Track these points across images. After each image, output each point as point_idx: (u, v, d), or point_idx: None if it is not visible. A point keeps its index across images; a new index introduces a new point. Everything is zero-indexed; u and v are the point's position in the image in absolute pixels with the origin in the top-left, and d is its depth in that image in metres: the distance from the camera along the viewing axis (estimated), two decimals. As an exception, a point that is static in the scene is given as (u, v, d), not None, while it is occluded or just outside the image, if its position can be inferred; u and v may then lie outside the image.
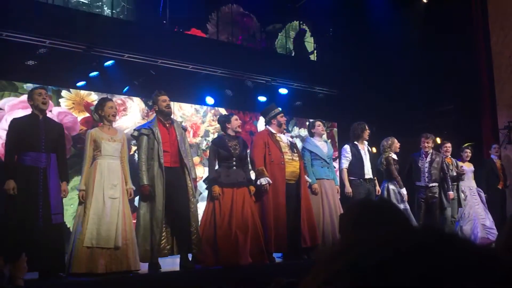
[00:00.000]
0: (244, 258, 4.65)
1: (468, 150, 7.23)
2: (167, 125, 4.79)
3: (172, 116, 4.96)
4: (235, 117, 5.21)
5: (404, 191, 6.17)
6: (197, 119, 8.46)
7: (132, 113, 7.71)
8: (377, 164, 6.44)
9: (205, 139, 8.42)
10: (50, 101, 4.46)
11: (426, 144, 6.56)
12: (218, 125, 6.00)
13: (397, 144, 6.47)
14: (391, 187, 6.26)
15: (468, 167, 7.17)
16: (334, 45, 9.58)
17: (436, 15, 8.86)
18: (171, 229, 4.71)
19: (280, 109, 5.58)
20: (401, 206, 6.19)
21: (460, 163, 7.12)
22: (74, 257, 4.17)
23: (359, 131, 6.10)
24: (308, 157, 5.75)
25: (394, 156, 6.38)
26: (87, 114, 7.42)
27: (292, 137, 5.68)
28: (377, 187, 6.16)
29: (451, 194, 6.55)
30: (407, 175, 6.60)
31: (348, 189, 5.80)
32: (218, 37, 8.33)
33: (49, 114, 4.91)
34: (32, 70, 6.54)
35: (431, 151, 6.58)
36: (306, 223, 5.20)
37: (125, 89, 7.55)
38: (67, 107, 7.30)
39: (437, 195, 6.46)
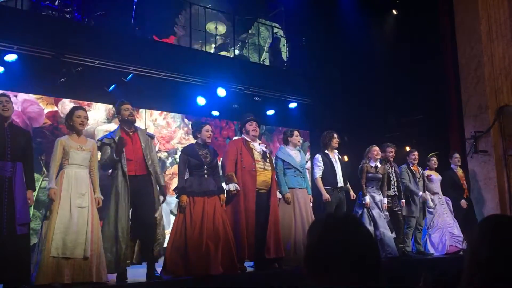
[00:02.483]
0: (215, 268, 4.62)
1: (434, 159, 7.38)
2: (130, 133, 4.75)
3: (136, 124, 4.92)
4: (206, 127, 5.15)
5: (366, 199, 6.24)
6: (167, 133, 8.36)
7: (95, 110, 7.59)
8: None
9: (172, 157, 8.28)
10: (12, 108, 4.33)
11: (393, 154, 6.70)
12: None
13: (373, 151, 6.47)
14: (373, 195, 6.32)
15: (436, 176, 7.31)
16: (307, 54, 9.69)
17: (406, 27, 9.08)
18: (136, 238, 4.65)
19: (251, 117, 5.59)
20: (383, 214, 6.27)
21: (428, 172, 7.26)
22: (39, 268, 4.06)
23: (326, 139, 6.20)
24: (280, 166, 5.76)
25: (372, 164, 6.44)
26: (56, 108, 7.27)
27: (266, 146, 5.68)
28: (351, 192, 6.21)
29: (403, 202, 6.68)
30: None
31: (326, 196, 5.85)
32: (191, 45, 8.31)
33: (13, 99, 4.80)
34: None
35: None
36: (272, 235, 5.20)
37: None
38: (35, 96, 7.14)
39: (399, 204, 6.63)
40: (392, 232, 6.26)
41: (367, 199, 6.22)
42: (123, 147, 4.54)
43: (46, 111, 7.20)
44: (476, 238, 1.41)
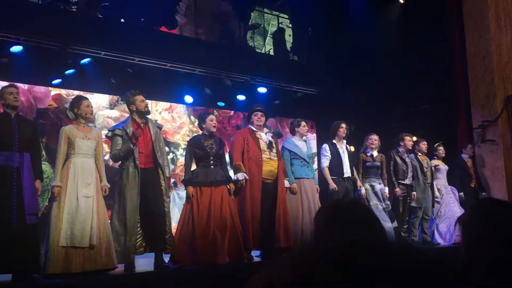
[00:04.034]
0: (221, 257, 4.65)
1: (441, 148, 7.38)
2: (142, 125, 4.74)
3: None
4: (210, 117, 5.16)
5: (362, 190, 6.22)
6: (172, 128, 8.27)
7: (99, 94, 7.49)
8: None
9: (173, 152, 8.16)
10: (21, 99, 4.37)
11: (411, 143, 6.70)
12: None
13: (369, 139, 6.43)
14: (372, 184, 6.32)
15: (443, 166, 7.30)
16: (313, 44, 9.63)
17: (413, 16, 8.99)
18: (146, 229, 4.67)
19: (258, 108, 5.58)
20: (382, 204, 6.25)
21: (435, 162, 7.25)
22: (49, 258, 4.10)
23: (333, 129, 6.21)
24: (287, 156, 5.78)
25: (368, 153, 6.42)
26: (63, 92, 7.23)
27: (273, 136, 5.67)
28: (358, 183, 6.20)
29: (414, 194, 6.67)
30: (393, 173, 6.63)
31: (332, 185, 5.86)
32: (196, 35, 8.29)
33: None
34: (5, 67, 6.42)
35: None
36: (282, 224, 5.21)
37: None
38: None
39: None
40: (393, 222, 6.23)
41: (363, 190, 6.22)
42: (138, 137, 4.54)
43: (53, 93, 7.15)
44: (469, 221, 1.40)
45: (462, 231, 1.39)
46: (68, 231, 4.16)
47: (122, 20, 7.36)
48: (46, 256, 4.13)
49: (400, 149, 6.71)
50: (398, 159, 6.62)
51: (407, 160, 6.66)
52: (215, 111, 8.45)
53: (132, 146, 4.50)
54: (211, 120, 5.12)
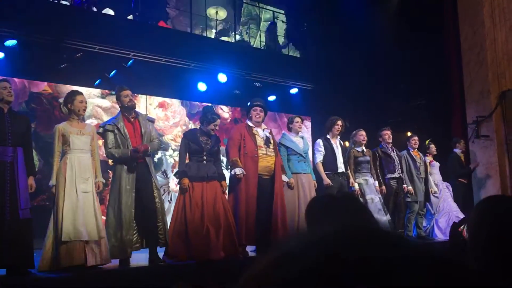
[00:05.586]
0: (216, 252, 4.65)
1: (433, 145, 7.43)
2: (132, 119, 4.74)
3: (136, 109, 4.90)
4: (216, 122, 5.09)
5: (356, 186, 6.24)
6: (163, 126, 8.18)
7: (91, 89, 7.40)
8: None
9: (162, 152, 8.00)
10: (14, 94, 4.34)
11: (389, 135, 6.69)
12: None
13: (359, 135, 6.41)
14: (366, 178, 6.33)
15: (436, 162, 7.37)
16: (308, 39, 9.62)
17: (409, 12, 9.00)
18: (140, 223, 4.68)
19: (256, 103, 5.54)
20: (377, 198, 6.25)
21: (428, 158, 7.29)
22: (58, 254, 4.08)
23: (329, 124, 6.22)
24: (284, 152, 5.80)
25: (359, 149, 6.44)
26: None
27: (270, 132, 5.65)
28: (351, 180, 6.22)
29: (405, 187, 6.68)
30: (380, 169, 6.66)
31: (326, 180, 5.88)
32: (192, 30, 8.26)
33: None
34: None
35: None
36: (279, 219, 5.21)
37: (97, 82, 7.43)
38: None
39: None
40: (386, 215, 6.24)
41: (356, 186, 6.23)
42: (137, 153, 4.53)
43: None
44: (476, 221, 1.39)
45: (470, 231, 1.38)
46: (70, 226, 4.14)
47: (130, 17, 7.31)
48: (55, 251, 4.11)
49: (383, 145, 6.72)
50: (382, 155, 6.64)
51: (392, 154, 6.67)
52: (213, 106, 8.40)
53: (130, 155, 4.49)
54: (216, 125, 5.10)
